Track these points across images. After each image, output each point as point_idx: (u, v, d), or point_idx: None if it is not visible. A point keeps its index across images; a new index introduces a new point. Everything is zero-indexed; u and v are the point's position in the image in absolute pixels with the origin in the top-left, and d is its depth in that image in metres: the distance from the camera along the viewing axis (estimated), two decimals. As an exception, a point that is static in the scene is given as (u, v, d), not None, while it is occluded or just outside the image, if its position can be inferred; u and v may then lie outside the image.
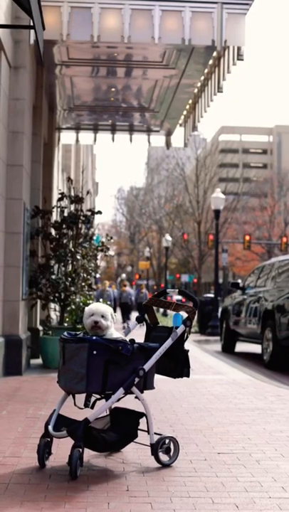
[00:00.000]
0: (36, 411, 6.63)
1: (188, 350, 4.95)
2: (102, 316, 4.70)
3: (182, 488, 4.21)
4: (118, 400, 4.67)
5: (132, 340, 4.68)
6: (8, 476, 4.39)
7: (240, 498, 4.05)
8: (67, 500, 3.91)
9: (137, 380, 4.63)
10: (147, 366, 4.68)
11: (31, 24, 6.64)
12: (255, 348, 15.01)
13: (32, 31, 9.41)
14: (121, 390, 4.58)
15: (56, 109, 14.76)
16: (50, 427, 4.57)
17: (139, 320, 5.26)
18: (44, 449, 4.58)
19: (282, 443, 5.50)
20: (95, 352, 4.46)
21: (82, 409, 4.68)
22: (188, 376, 4.97)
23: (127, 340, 4.70)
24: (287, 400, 7.63)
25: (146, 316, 5.22)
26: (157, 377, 4.90)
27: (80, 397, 4.66)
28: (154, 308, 5.26)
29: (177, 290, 5.21)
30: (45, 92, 12.52)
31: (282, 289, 12.35)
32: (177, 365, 4.92)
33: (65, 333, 4.70)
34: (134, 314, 38.04)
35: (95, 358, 4.46)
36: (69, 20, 9.69)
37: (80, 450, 4.32)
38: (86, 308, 4.82)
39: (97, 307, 4.76)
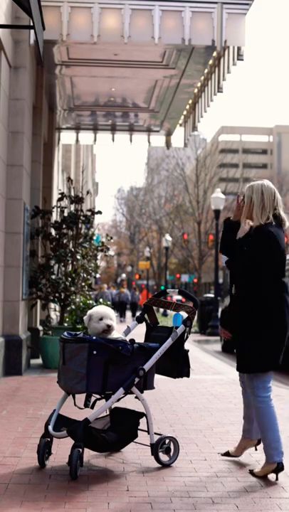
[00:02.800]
0: (36, 411, 6.63)
1: (188, 350, 4.95)
2: (111, 319, 4.71)
3: (182, 488, 4.20)
4: (118, 399, 4.67)
5: (132, 341, 4.68)
6: (8, 476, 4.39)
7: (240, 498, 4.05)
8: (67, 500, 3.91)
9: (136, 380, 4.63)
10: (147, 366, 4.68)
11: (31, 24, 6.64)
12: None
13: (32, 31, 9.41)
14: (121, 390, 4.58)
15: (56, 109, 14.75)
16: (50, 427, 4.57)
17: (139, 320, 5.26)
18: (44, 449, 4.58)
19: (282, 443, 5.49)
20: (95, 352, 4.46)
21: (82, 409, 4.67)
22: (188, 376, 4.98)
23: (127, 340, 4.70)
24: (287, 400, 7.63)
25: (146, 316, 5.22)
26: (157, 377, 4.90)
27: (80, 397, 4.66)
28: (154, 308, 5.26)
29: (177, 290, 5.21)
30: (45, 92, 12.52)
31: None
32: (177, 365, 4.92)
33: (65, 333, 4.69)
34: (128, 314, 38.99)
35: (95, 358, 4.46)
36: (69, 20, 9.69)
37: (80, 450, 4.32)
38: (93, 312, 4.75)
39: (105, 310, 4.74)
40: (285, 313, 4.49)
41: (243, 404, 5.01)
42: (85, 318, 4.79)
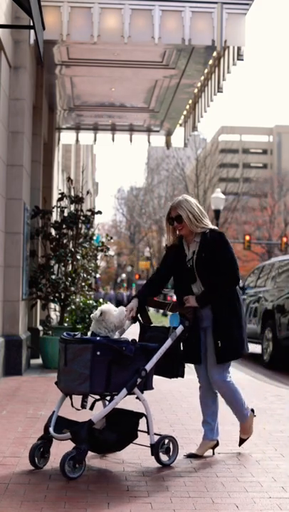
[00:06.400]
0: (36, 411, 6.63)
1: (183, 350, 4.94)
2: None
3: (182, 488, 4.20)
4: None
5: (134, 341, 4.67)
6: (8, 476, 4.38)
7: (240, 498, 4.05)
8: (67, 500, 3.91)
9: (139, 380, 4.62)
10: (149, 367, 4.67)
11: (31, 24, 6.64)
12: (255, 348, 15.01)
13: (32, 31, 9.41)
14: (124, 391, 4.57)
15: (56, 109, 14.75)
16: (51, 429, 4.56)
17: (133, 320, 5.23)
18: (34, 452, 4.53)
19: (282, 443, 5.50)
20: (98, 353, 4.44)
21: (79, 410, 4.66)
22: (182, 376, 4.97)
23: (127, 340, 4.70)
24: (287, 400, 7.63)
25: (139, 316, 5.17)
26: (157, 377, 4.90)
27: (78, 398, 4.65)
28: (153, 308, 5.26)
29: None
30: (45, 92, 12.52)
31: (282, 289, 12.35)
32: (172, 365, 4.91)
33: (65, 334, 4.68)
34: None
35: (99, 358, 4.44)
36: (69, 20, 9.68)
37: (81, 450, 4.31)
38: (103, 308, 4.82)
39: (111, 305, 4.87)
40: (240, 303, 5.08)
41: (204, 406, 5.28)
42: (94, 314, 4.76)
